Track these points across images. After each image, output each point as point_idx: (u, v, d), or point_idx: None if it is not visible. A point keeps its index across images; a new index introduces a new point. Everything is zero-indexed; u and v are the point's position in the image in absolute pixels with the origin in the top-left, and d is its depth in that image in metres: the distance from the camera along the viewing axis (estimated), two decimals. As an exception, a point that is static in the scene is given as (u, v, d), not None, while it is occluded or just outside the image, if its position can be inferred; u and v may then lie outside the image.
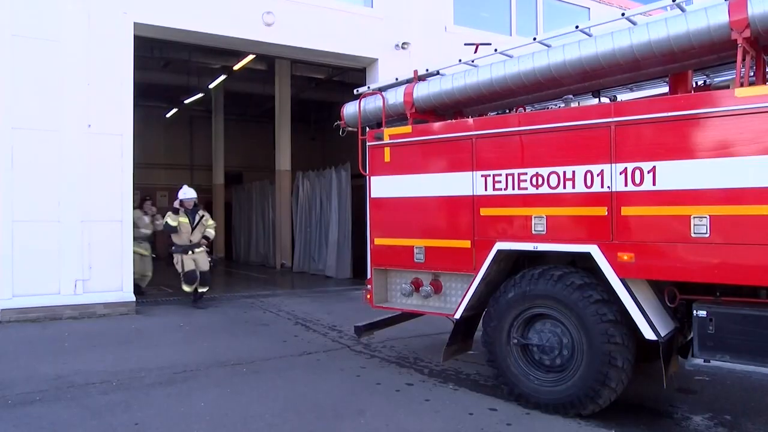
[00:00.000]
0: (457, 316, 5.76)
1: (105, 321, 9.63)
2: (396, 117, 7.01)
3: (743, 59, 4.56)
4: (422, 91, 6.71)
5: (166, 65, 18.74)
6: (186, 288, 11.32)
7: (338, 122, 7.88)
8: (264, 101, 21.69)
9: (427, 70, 6.93)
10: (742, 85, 4.52)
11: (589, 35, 5.50)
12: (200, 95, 22.17)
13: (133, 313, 10.18)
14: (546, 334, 5.26)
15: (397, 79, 7.20)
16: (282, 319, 10.07)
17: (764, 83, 4.91)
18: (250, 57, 16.59)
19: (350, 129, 7.80)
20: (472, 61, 6.57)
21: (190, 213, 11.48)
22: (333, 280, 15.60)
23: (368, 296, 6.60)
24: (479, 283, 5.62)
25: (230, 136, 24.43)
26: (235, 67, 17.82)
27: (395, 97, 6.94)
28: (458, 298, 5.82)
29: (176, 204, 11.42)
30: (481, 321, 5.86)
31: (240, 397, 5.69)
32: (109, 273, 10.09)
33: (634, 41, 5.12)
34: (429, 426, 4.98)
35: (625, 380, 4.97)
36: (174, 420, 5.06)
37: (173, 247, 11.38)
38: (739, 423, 5.07)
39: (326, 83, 19.62)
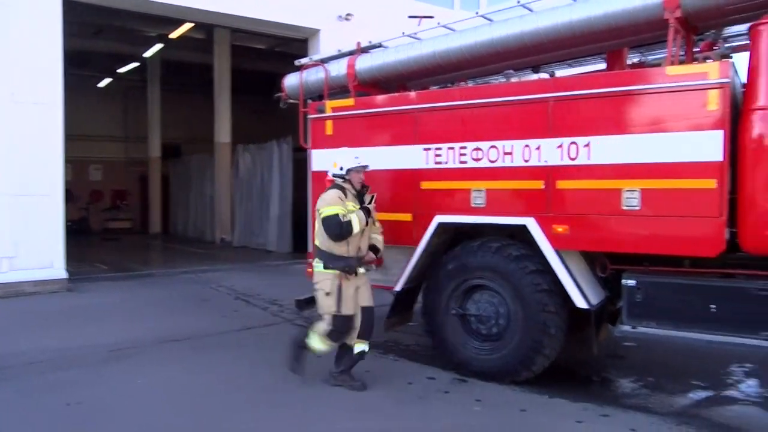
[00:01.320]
0: (398, 288, 5.82)
1: (36, 300, 9.22)
2: (338, 89, 6.94)
3: (674, 38, 4.72)
4: (365, 63, 6.66)
5: (99, 32, 17.86)
6: (323, 345, 5.20)
7: (279, 94, 7.74)
8: (204, 71, 21.01)
9: (370, 42, 6.88)
10: (672, 63, 4.69)
11: (531, 11, 5.57)
12: (136, 64, 21.28)
13: (64, 291, 9.79)
14: (483, 305, 5.39)
15: (339, 50, 7.12)
16: (222, 294, 9.93)
17: (692, 62, 5.10)
18: (189, 25, 16.02)
19: (291, 101, 7.68)
20: (416, 34, 6.56)
21: (357, 197, 5.31)
22: (274, 255, 15.47)
23: (309, 270, 6.57)
24: (420, 256, 5.69)
25: (168, 107, 23.59)
26: (173, 36, 17.18)
27: (338, 69, 6.87)
28: (399, 271, 5.88)
29: (337, 178, 5.31)
30: (420, 293, 5.95)
31: (187, 374, 5.60)
32: (38, 250, 9.64)
33: (574, 17, 5.22)
34: (369, 395, 5.05)
35: (558, 347, 5.16)
36: (123, 397, 4.96)
37: (325, 261, 5.10)
38: (661, 384, 5.37)
39: (270, 54, 19.18)
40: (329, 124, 6.37)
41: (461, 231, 5.79)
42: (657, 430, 4.45)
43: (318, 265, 5.14)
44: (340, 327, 5.08)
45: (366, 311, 5.17)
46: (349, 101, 6.33)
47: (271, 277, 11.80)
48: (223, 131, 18.99)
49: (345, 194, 5.10)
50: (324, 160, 6.37)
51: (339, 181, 5.25)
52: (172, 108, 23.99)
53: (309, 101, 6.93)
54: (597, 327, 5.09)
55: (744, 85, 4.59)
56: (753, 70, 4.40)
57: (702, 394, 5.20)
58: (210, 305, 8.98)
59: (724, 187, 4.33)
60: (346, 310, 5.03)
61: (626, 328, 4.86)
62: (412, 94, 5.99)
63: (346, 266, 5.03)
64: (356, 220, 5.01)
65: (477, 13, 5.99)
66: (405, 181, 5.81)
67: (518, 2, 5.54)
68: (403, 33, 6.58)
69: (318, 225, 5.17)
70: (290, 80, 7.53)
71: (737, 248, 4.50)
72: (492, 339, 5.38)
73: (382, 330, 6.11)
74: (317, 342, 5.17)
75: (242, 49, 18.99)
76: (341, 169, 5.22)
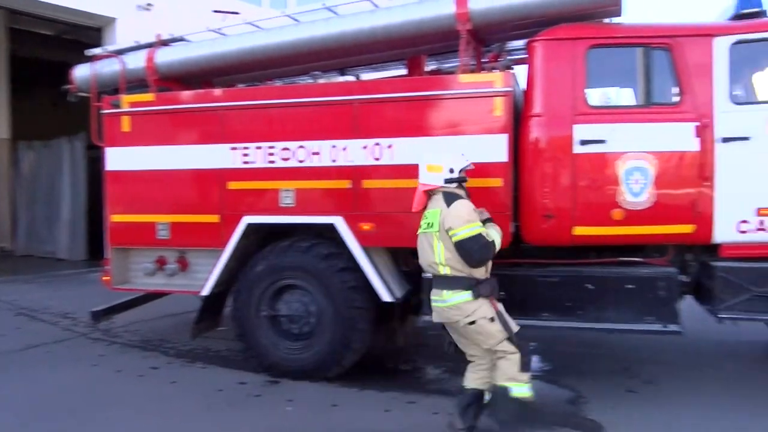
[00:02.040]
0: (206, 292, 5.59)
1: None
2: (137, 83, 6.47)
3: (466, 49, 5.12)
4: (166, 57, 6.28)
5: None
6: (525, 383, 4.07)
7: (67, 86, 7.01)
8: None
9: (171, 35, 6.51)
10: (464, 71, 5.09)
11: (336, 14, 5.68)
12: None
13: None
14: (294, 304, 5.39)
15: (137, 42, 6.64)
16: (0, 310, 8.75)
17: (481, 71, 5.58)
18: (-48, 3, 13.88)
19: (83, 95, 7.00)
20: (221, 30, 6.35)
21: None
22: (66, 263, 13.99)
23: (105, 278, 6.06)
24: (228, 258, 5.51)
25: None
26: (-69, 14, 14.77)
27: (136, 61, 6.39)
28: (206, 275, 5.65)
29: (449, 185, 4.23)
30: (230, 296, 5.78)
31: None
32: None
33: (376, 23, 5.40)
34: (175, 404, 4.79)
35: (367, 341, 5.34)
36: None
37: (473, 288, 4.03)
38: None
39: (58, 41, 17.29)
40: (126, 120, 5.91)
41: (271, 231, 5.72)
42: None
43: (462, 294, 3.97)
44: (523, 347, 4.04)
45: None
46: (149, 96, 5.93)
47: (62, 288, 10.65)
48: (0, 126, 16.76)
49: None
50: (121, 158, 5.91)
51: (452, 187, 4.15)
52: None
53: (103, 95, 6.37)
54: (402, 319, 5.35)
55: (523, 94, 5.12)
56: (529, 80, 4.93)
57: (495, 374, 5.70)
58: (-15, 324, 7.87)
59: (509, 185, 4.81)
60: (514, 326, 4.05)
61: (428, 318, 5.15)
62: (219, 91, 5.80)
63: (494, 289, 4.06)
64: (497, 236, 4.13)
65: (284, 12, 5.95)
66: (211, 181, 5.60)
67: (323, 5, 5.61)
68: (208, 28, 6.33)
69: (450, 249, 3.97)
70: (81, 71, 6.85)
71: (521, 240, 5.01)
72: (303, 338, 5.40)
73: (189, 337, 5.85)
74: (518, 386, 3.99)
75: (24, 33, 16.91)
76: (451, 171, 4.13)
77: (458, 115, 4.91)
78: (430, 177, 4.17)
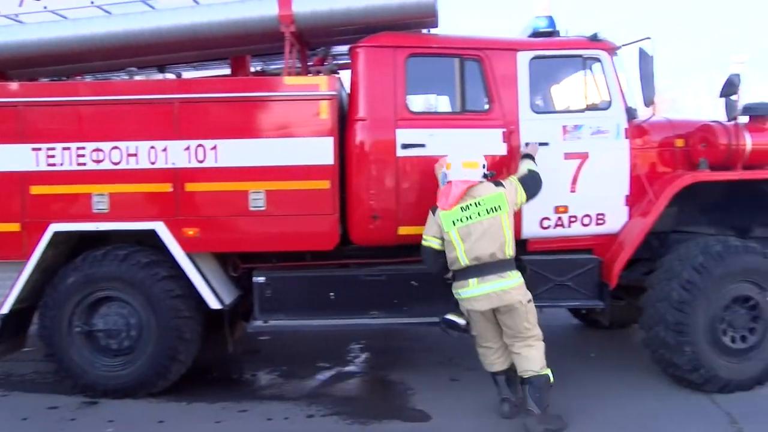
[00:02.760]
0: (5, 310, 4.98)
1: None
2: None
3: (290, 51, 5.11)
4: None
5: None
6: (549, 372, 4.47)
7: None
8: None
9: (-47, 18, 5.70)
10: (290, 74, 5.07)
11: (153, 8, 5.37)
12: None
13: None
14: (112, 317, 5.01)
15: None
16: None
17: (307, 74, 5.61)
18: None
19: None
20: (17, 17, 5.68)
21: None
22: None
23: None
24: (32, 271, 4.96)
25: None
26: None
27: None
28: (5, 290, 5.03)
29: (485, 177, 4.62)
30: (36, 313, 5.21)
31: None
32: None
33: (196, 20, 5.18)
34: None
35: (194, 351, 5.14)
36: None
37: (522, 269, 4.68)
38: (294, 371, 5.81)
39: None
40: None
41: (84, 239, 5.25)
42: (290, 414, 4.78)
43: (518, 276, 4.37)
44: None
45: None
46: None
47: None
48: None
49: None
50: None
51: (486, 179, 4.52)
52: None
53: None
54: (232, 325, 5.21)
55: (348, 98, 5.23)
56: (353, 85, 5.05)
57: (328, 374, 5.77)
58: None
59: (335, 187, 4.89)
60: None
61: (259, 323, 5.08)
62: (15, 85, 5.19)
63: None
64: (531, 164, 4.77)
65: (92, 2, 5.47)
66: (9, 185, 4.97)
67: (138, -3, 5.28)
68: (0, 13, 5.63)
69: (511, 230, 4.39)
70: None
71: (349, 241, 5.12)
72: (124, 353, 5.04)
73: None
74: (549, 371, 4.41)
75: None
76: (484, 166, 4.51)
77: (284, 117, 4.89)
78: (470, 173, 4.43)
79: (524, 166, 4.73)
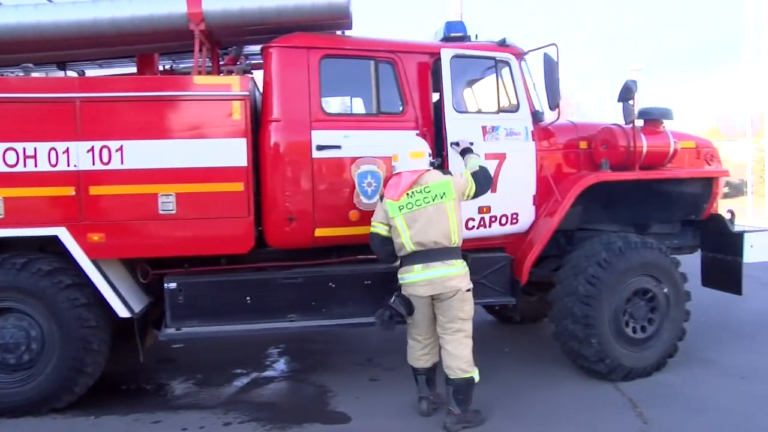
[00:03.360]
0: None
1: None
2: None
3: (200, 49, 4.97)
4: None
5: None
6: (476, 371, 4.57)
7: None
8: None
9: None
10: (200, 73, 4.94)
11: (51, 1, 5.08)
12: None
13: None
14: (10, 330, 4.69)
15: None
16: None
17: (219, 74, 5.48)
18: None
19: None
20: None
21: None
22: None
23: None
24: None
25: None
26: None
27: None
28: None
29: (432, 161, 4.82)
30: None
31: None
32: None
33: (99, 16, 4.94)
34: None
35: (103, 362, 4.91)
36: None
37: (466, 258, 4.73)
38: (209, 379, 5.66)
39: None
40: None
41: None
42: (207, 423, 4.66)
43: (463, 265, 4.47)
44: None
45: None
46: None
47: None
48: None
49: None
50: None
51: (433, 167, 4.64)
52: None
53: None
54: (143, 334, 5.01)
55: (262, 99, 5.15)
56: (266, 86, 4.96)
57: (245, 380, 5.66)
58: None
59: (250, 189, 4.79)
60: None
61: (171, 330, 4.90)
62: None
63: None
64: (478, 159, 4.87)
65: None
66: None
67: (34, -11, 4.97)
68: None
69: (459, 218, 4.50)
70: None
71: (265, 244, 5.04)
72: (24, 367, 4.73)
73: None
74: (476, 371, 4.49)
75: None
76: (430, 155, 4.63)
77: (194, 117, 4.75)
78: (418, 163, 4.49)
79: (473, 162, 4.78)
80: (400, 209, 4.41)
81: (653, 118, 5.72)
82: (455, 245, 4.44)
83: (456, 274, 4.38)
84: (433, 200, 4.39)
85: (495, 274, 5.35)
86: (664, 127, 5.78)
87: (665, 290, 5.29)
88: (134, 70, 6.00)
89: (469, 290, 4.44)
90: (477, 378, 4.45)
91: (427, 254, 4.37)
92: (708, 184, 5.94)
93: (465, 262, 4.50)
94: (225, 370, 5.85)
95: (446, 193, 4.41)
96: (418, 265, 4.38)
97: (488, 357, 5.92)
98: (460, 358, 4.37)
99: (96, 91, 4.72)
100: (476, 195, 4.64)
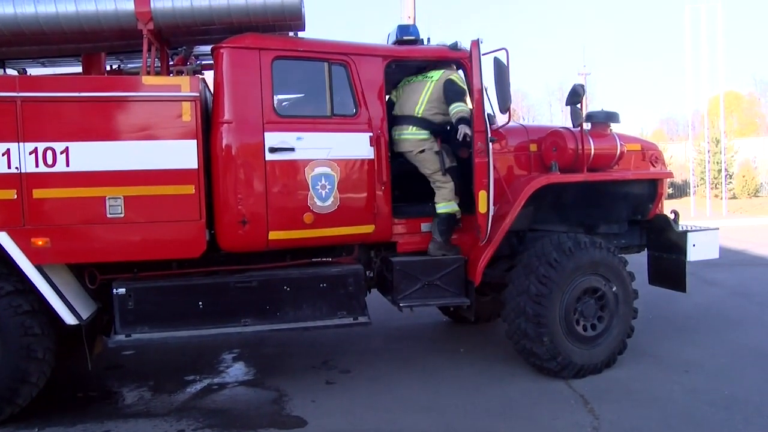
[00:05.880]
0: None
1: None
2: None
3: (149, 49, 4.86)
4: None
5: None
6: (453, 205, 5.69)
7: None
8: None
9: None
10: (149, 73, 4.82)
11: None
12: None
13: None
14: (-56, 341, 4.49)
15: None
16: None
17: (168, 74, 5.36)
18: None
19: None
20: None
21: None
22: None
23: None
24: None
25: None
26: None
27: None
28: None
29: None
30: None
31: None
32: None
33: (41, 11, 4.75)
34: None
35: (48, 371, 4.73)
36: None
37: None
38: (161, 385, 5.53)
39: None
40: None
41: None
42: (159, 431, 4.55)
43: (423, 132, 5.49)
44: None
45: None
46: None
47: None
48: None
49: None
50: None
51: None
52: None
53: None
54: (90, 341, 4.87)
55: (213, 100, 5.06)
56: (217, 87, 4.88)
57: (198, 386, 5.54)
58: None
59: (201, 192, 4.71)
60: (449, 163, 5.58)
61: (120, 337, 4.77)
62: None
63: None
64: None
65: None
66: None
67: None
68: None
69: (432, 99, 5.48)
70: None
71: (218, 248, 4.96)
72: (-40, 380, 4.53)
73: None
74: (451, 204, 5.49)
75: None
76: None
77: (143, 118, 4.64)
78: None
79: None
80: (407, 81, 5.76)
81: (600, 121, 5.87)
82: (419, 115, 5.48)
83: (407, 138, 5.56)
84: (420, 78, 5.59)
85: (449, 276, 5.40)
86: (611, 130, 5.94)
87: (614, 289, 5.44)
88: (80, 69, 5.82)
89: (422, 151, 5.46)
90: (451, 210, 5.42)
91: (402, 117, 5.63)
92: (653, 185, 6.14)
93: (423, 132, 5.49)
94: (177, 377, 5.73)
95: (435, 76, 5.52)
96: None
97: (443, 357, 6.00)
98: (437, 197, 5.45)
99: (38, 90, 4.55)
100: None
